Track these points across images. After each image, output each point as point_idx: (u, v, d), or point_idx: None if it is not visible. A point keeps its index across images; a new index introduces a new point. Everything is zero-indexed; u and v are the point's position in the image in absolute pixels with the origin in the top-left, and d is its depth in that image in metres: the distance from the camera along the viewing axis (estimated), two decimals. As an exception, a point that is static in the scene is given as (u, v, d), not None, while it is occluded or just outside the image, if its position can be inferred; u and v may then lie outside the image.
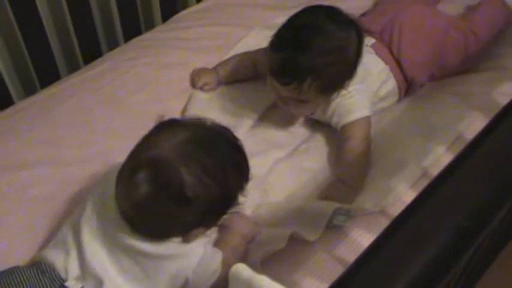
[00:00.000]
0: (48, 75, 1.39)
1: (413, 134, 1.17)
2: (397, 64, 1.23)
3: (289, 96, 1.08)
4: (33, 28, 1.32)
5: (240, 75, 1.30)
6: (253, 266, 0.88)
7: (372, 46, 1.24)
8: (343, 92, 1.11)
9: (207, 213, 0.80)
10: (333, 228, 0.98)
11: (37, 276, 0.83)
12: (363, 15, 1.40)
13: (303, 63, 1.02)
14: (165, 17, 1.56)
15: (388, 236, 0.66)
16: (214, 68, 1.30)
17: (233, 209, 0.85)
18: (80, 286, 0.82)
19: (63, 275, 0.83)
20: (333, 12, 1.08)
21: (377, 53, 1.23)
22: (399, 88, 1.24)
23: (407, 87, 1.26)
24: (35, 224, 1.03)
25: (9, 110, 1.27)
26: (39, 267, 0.84)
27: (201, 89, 1.27)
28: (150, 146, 0.79)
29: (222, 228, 0.94)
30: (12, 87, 1.36)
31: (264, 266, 0.91)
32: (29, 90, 1.39)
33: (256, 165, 1.09)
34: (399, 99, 1.26)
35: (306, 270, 0.93)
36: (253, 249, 0.94)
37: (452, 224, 0.66)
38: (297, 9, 1.49)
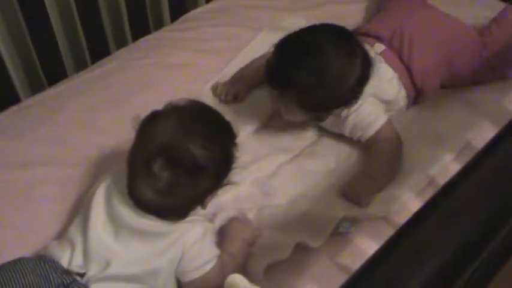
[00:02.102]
0: (55, 73, 1.40)
1: (421, 142, 1.15)
2: (407, 71, 1.21)
3: (276, 98, 1.10)
4: (41, 26, 1.32)
5: (259, 79, 1.26)
6: (256, 274, 0.90)
7: (382, 53, 1.22)
8: (356, 106, 1.10)
9: (219, 174, 0.89)
10: (338, 235, 0.97)
11: (40, 265, 0.85)
12: (368, 20, 1.39)
13: (290, 75, 1.03)
14: (174, 17, 1.56)
15: (391, 247, 0.66)
16: (235, 78, 1.28)
17: (235, 166, 0.93)
18: (83, 272, 0.84)
19: (65, 265, 0.85)
20: (341, 38, 1.06)
21: (386, 61, 1.21)
22: (408, 96, 1.22)
23: (417, 95, 1.24)
24: (39, 223, 1.03)
25: (16, 108, 1.27)
26: (42, 258, 0.86)
27: (232, 101, 1.25)
28: (153, 136, 0.86)
29: (223, 234, 0.96)
30: (19, 84, 1.36)
31: (266, 271, 0.90)
32: (36, 88, 1.39)
33: (261, 168, 1.11)
34: (408, 107, 1.24)
35: (309, 277, 0.92)
36: (257, 256, 0.93)
37: (457, 237, 0.65)
38: (305, 11, 1.51)
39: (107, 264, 0.84)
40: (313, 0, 1.57)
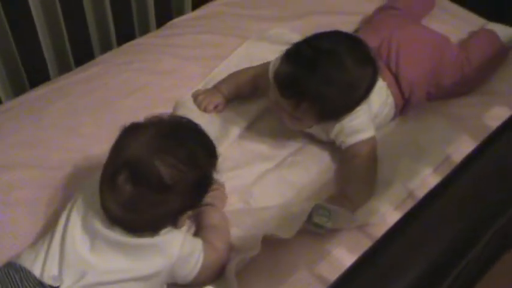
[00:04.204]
0: (38, 76, 1.38)
1: (402, 154, 1.17)
2: (395, 81, 1.22)
3: (285, 108, 1.07)
4: (24, 27, 1.30)
5: (242, 93, 1.27)
6: (229, 277, 0.90)
7: None
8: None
9: (191, 195, 0.87)
10: (315, 228, 0.97)
11: (10, 275, 0.83)
12: (355, 31, 1.40)
13: (308, 85, 1.01)
14: (160, 23, 1.56)
15: (366, 260, 0.66)
16: (216, 87, 1.27)
17: (212, 187, 0.92)
18: (57, 285, 0.83)
19: (37, 274, 0.84)
20: (355, 46, 1.06)
21: None
22: (396, 105, 1.23)
23: (404, 104, 1.25)
24: (16, 228, 1.01)
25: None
26: (12, 267, 0.85)
27: (212, 110, 1.24)
28: (123, 149, 0.85)
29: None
30: (1, 86, 1.34)
31: (243, 281, 0.90)
32: (17, 90, 1.37)
33: (241, 175, 1.11)
34: (394, 117, 1.25)
35: (287, 287, 0.92)
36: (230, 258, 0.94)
37: (431, 253, 0.66)
38: (291, 21, 1.52)
39: (82, 275, 0.84)
40: (299, 10, 1.57)
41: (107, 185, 0.84)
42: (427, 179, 1.11)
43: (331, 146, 1.18)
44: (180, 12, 1.62)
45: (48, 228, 0.97)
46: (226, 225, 0.98)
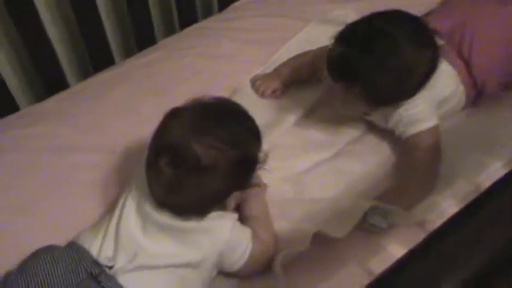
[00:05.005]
0: (102, 60, 1.42)
1: (469, 146, 1.08)
2: (467, 68, 1.14)
3: (337, 92, 1.03)
4: (88, 11, 1.34)
5: (300, 76, 1.24)
6: (275, 269, 0.88)
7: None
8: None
9: (233, 175, 0.86)
10: (371, 228, 0.93)
11: (70, 254, 0.86)
12: (427, 14, 1.32)
13: (359, 68, 0.96)
14: (222, 6, 1.55)
15: (419, 252, 0.62)
16: (275, 72, 1.25)
17: (258, 168, 0.90)
18: (111, 265, 0.85)
19: (94, 254, 0.87)
20: (415, 28, 0.99)
21: (445, 56, 1.12)
22: (467, 94, 1.14)
23: (476, 94, 1.16)
24: (77, 209, 1.05)
25: (62, 94, 1.30)
26: (72, 247, 0.88)
27: (270, 95, 1.23)
28: (163, 133, 0.87)
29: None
30: (68, 70, 1.40)
31: (291, 274, 0.88)
32: (83, 74, 1.42)
33: (294, 164, 1.08)
34: (465, 107, 1.17)
35: (335, 282, 0.89)
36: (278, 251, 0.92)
37: (489, 248, 0.60)
38: (358, 2, 1.45)
39: (134, 256, 0.85)
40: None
41: (150, 168, 0.86)
42: (497, 173, 1.03)
43: (392, 136, 1.11)
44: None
45: (109, 209, 1.00)
46: (269, 216, 0.97)
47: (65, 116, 1.23)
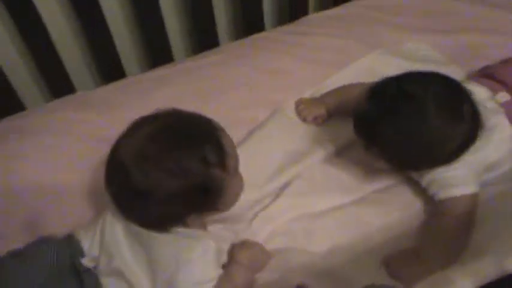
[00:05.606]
0: (163, 56, 1.44)
1: (509, 222, 0.96)
2: None
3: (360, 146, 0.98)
4: (151, 10, 1.36)
5: (345, 110, 1.14)
6: None
7: (504, 104, 1.03)
8: None
9: (179, 202, 0.82)
10: None
11: (63, 249, 0.89)
12: (483, 67, 1.17)
13: (380, 131, 0.91)
14: (294, 16, 1.50)
15: None
16: (322, 98, 1.20)
17: (220, 194, 0.85)
18: (92, 265, 0.87)
19: (86, 251, 0.89)
20: (452, 95, 0.91)
21: (508, 115, 1.02)
22: None
23: None
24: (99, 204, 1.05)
25: (118, 83, 1.34)
26: (68, 241, 0.90)
27: (311, 122, 1.17)
28: (114, 147, 0.85)
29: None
30: (127, 62, 1.44)
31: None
32: (141, 68, 1.46)
33: (311, 205, 1.02)
34: None
35: None
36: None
37: None
38: (440, 35, 1.34)
39: (111, 258, 0.86)
40: (449, 24, 1.38)
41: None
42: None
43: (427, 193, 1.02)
44: (320, 5, 1.54)
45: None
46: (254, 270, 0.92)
47: (111, 107, 1.26)
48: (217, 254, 0.87)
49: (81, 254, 0.89)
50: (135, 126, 0.86)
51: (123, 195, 0.84)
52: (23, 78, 1.40)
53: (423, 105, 0.88)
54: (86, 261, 0.87)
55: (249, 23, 1.49)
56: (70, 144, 1.18)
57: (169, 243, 0.85)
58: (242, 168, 1.08)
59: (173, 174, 0.80)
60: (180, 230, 0.86)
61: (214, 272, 0.86)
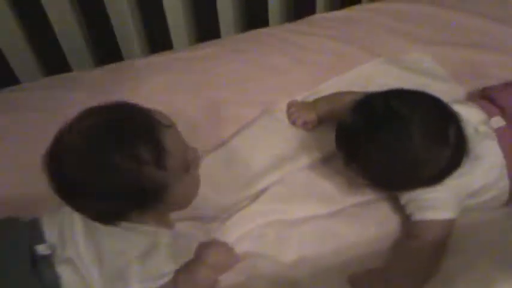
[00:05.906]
0: (162, 43, 1.43)
1: (484, 253, 0.92)
2: None
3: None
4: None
5: (337, 117, 1.08)
6: None
7: (497, 131, 0.99)
8: None
9: (118, 198, 0.79)
10: None
11: (25, 231, 0.87)
12: (484, 89, 1.13)
13: (359, 148, 0.88)
14: (301, 13, 1.47)
15: None
16: (314, 103, 1.16)
17: (161, 193, 0.81)
18: (48, 252, 0.85)
19: (46, 237, 0.86)
20: (439, 119, 0.88)
21: (500, 142, 0.97)
22: (510, 193, 0.97)
23: None
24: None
25: (111, 66, 1.33)
26: (30, 225, 0.88)
27: (300, 126, 1.15)
28: (56, 138, 0.80)
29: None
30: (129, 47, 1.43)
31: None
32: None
33: (288, 212, 1.00)
34: (505, 204, 0.99)
35: None
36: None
37: None
38: (447, 47, 1.30)
39: (65, 246, 0.85)
40: (457, 37, 1.33)
41: None
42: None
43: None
44: (329, 5, 1.50)
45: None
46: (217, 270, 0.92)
47: (103, 90, 1.24)
48: (170, 250, 0.85)
49: (42, 239, 0.87)
50: (79, 119, 0.82)
51: (61, 189, 0.80)
52: (22, 58, 1.40)
53: (408, 126, 0.85)
54: (42, 248, 0.85)
55: (253, 17, 1.46)
56: (54, 123, 1.16)
57: (117, 237, 0.83)
58: (222, 170, 1.07)
59: (104, 171, 0.77)
60: (130, 225, 0.84)
61: (165, 268, 0.84)
